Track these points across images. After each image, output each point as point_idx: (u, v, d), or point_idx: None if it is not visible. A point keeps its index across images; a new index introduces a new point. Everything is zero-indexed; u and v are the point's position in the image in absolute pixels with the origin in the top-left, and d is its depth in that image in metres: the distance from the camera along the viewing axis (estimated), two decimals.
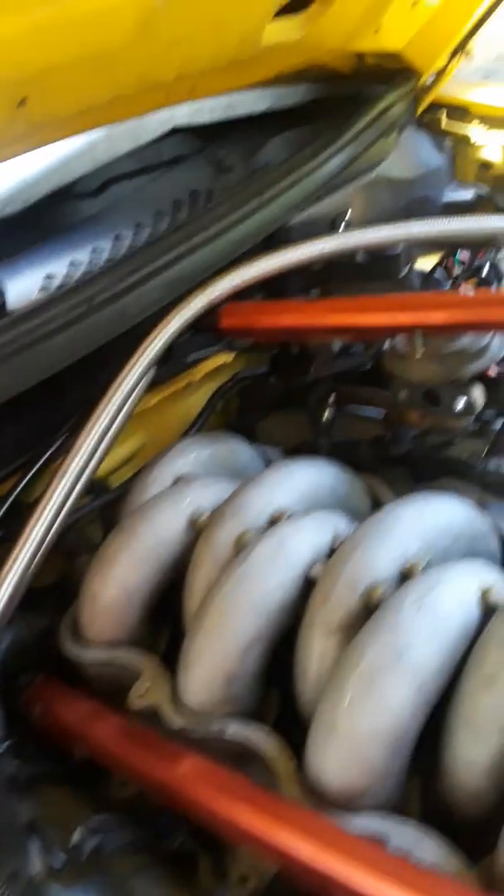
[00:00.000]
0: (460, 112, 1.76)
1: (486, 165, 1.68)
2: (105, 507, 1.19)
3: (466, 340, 1.00)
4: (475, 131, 1.72)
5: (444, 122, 1.72)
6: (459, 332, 0.99)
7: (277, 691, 0.92)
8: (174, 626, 1.02)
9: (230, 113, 1.40)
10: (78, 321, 1.01)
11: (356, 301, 1.03)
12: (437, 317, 0.95)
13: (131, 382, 1.04)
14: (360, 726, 0.73)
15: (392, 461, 1.18)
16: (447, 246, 1.27)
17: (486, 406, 1.14)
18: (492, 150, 1.69)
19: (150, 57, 0.92)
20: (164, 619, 1.04)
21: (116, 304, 1.05)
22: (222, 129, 1.41)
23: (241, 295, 1.13)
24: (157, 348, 1.03)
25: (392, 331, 1.02)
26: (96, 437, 1.01)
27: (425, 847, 0.70)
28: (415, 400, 1.09)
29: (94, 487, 1.19)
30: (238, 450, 1.17)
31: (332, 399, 1.22)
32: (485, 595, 0.78)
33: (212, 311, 1.07)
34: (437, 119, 1.72)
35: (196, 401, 1.38)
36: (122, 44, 0.85)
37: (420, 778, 0.80)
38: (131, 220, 1.24)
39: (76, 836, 0.81)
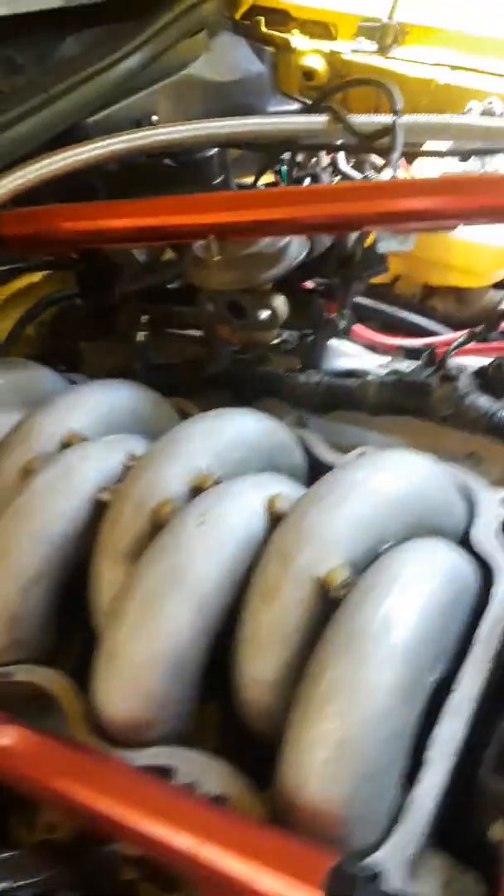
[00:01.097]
0: (281, 17, 1.68)
1: (308, 74, 1.62)
2: None
3: (263, 244, 0.94)
4: (297, 39, 1.65)
5: (264, 28, 1.63)
6: (254, 235, 0.92)
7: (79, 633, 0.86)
8: None
9: (17, 6, 1.26)
10: None
11: (147, 202, 0.95)
12: (228, 216, 0.88)
13: None
14: (139, 652, 0.68)
15: (211, 383, 1.12)
16: (263, 150, 1.19)
17: (299, 322, 1.10)
18: (314, 59, 1.63)
19: None
20: None
21: None
22: (12, 26, 1.28)
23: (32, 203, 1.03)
24: None
25: (185, 233, 0.95)
26: None
27: (212, 777, 0.66)
28: (221, 313, 1.02)
29: None
30: (38, 377, 1.08)
31: (144, 320, 1.14)
32: (270, 506, 0.74)
33: None
34: (255, 24, 1.63)
35: (2, 327, 1.27)
36: None
37: (219, 702, 0.76)
38: None
39: None
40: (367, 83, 1.16)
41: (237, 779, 0.66)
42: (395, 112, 1.01)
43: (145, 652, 0.68)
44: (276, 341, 1.09)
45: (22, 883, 0.63)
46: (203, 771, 0.66)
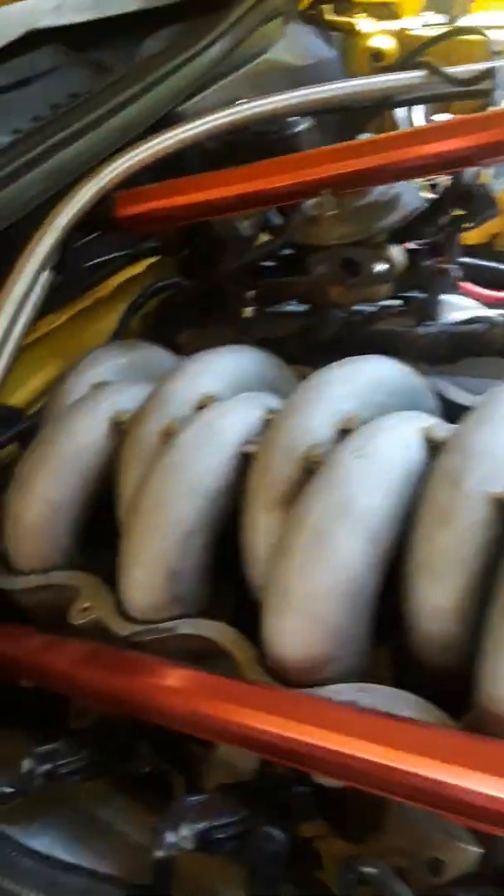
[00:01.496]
0: (344, 6, 1.70)
1: (377, 56, 1.63)
2: (25, 439, 1.11)
3: (375, 193, 0.94)
4: (363, 22, 1.66)
5: (330, 14, 1.65)
6: (372, 183, 0.93)
7: (231, 587, 0.86)
8: (114, 545, 0.95)
9: (100, 11, 1.31)
10: None
11: (257, 166, 0.96)
12: (346, 166, 0.89)
13: (23, 287, 0.95)
14: (313, 586, 0.68)
15: (322, 351, 1.12)
16: (347, 120, 1.20)
17: (406, 282, 1.09)
18: (381, 39, 1.64)
19: None
20: (103, 540, 0.97)
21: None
22: (96, 33, 1.33)
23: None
24: (47, 245, 0.95)
25: (299, 191, 0.95)
26: None
27: (403, 708, 0.64)
28: (334, 272, 1.03)
29: (9, 417, 1.11)
30: (156, 356, 1.10)
31: (251, 295, 1.15)
32: (426, 435, 0.73)
33: (104, 201, 0.99)
34: (320, 12, 1.65)
35: (110, 323, 1.30)
36: None
37: (389, 648, 0.75)
38: (7, 127, 1.15)
39: (26, 765, 0.74)
40: (462, 32, 1.16)
41: (430, 708, 0.64)
42: (494, 53, 1.01)
43: (319, 585, 0.68)
44: (382, 304, 1.09)
45: (219, 823, 0.62)
46: (392, 703, 0.65)
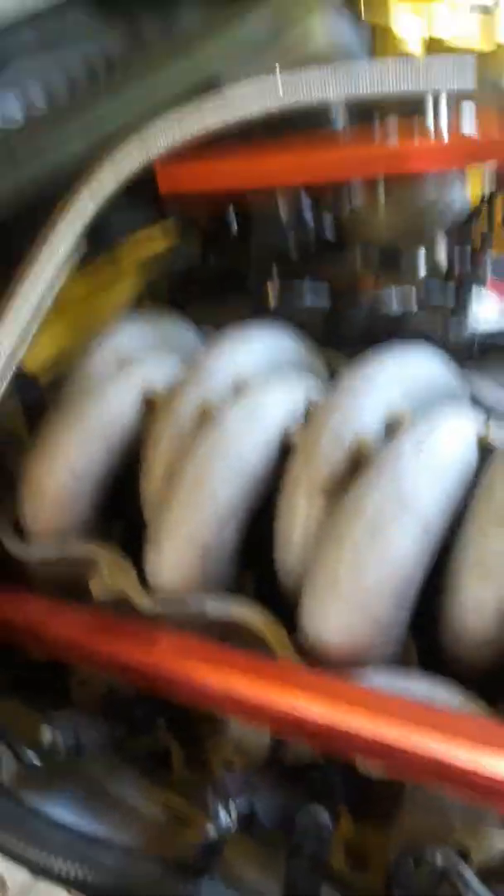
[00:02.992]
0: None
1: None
2: (32, 405, 1.08)
3: (432, 191, 0.94)
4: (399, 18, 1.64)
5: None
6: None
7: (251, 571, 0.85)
8: (127, 518, 0.94)
9: None
10: None
11: (312, 144, 0.94)
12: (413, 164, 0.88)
13: (63, 251, 0.92)
14: (365, 577, 0.68)
15: (345, 342, 1.11)
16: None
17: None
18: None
19: None
20: (115, 512, 0.95)
21: (36, 157, 0.93)
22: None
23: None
24: (89, 208, 0.91)
25: (355, 170, 0.94)
26: (23, 313, 0.90)
27: (441, 696, 0.66)
28: (370, 263, 1.02)
29: (21, 383, 1.07)
30: (181, 330, 1.08)
31: (274, 272, 1.13)
32: (481, 437, 0.73)
33: (149, 170, 0.96)
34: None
35: (123, 292, 1.27)
36: None
37: (416, 638, 0.75)
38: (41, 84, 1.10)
39: (47, 735, 0.72)
40: None
41: (471, 699, 0.65)
42: None
43: (372, 576, 0.68)
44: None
45: (263, 803, 0.61)
46: (432, 690, 0.66)
